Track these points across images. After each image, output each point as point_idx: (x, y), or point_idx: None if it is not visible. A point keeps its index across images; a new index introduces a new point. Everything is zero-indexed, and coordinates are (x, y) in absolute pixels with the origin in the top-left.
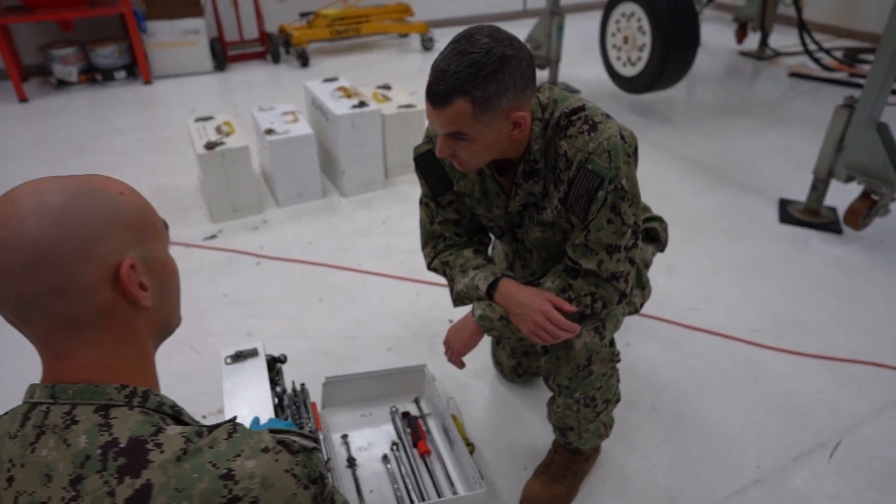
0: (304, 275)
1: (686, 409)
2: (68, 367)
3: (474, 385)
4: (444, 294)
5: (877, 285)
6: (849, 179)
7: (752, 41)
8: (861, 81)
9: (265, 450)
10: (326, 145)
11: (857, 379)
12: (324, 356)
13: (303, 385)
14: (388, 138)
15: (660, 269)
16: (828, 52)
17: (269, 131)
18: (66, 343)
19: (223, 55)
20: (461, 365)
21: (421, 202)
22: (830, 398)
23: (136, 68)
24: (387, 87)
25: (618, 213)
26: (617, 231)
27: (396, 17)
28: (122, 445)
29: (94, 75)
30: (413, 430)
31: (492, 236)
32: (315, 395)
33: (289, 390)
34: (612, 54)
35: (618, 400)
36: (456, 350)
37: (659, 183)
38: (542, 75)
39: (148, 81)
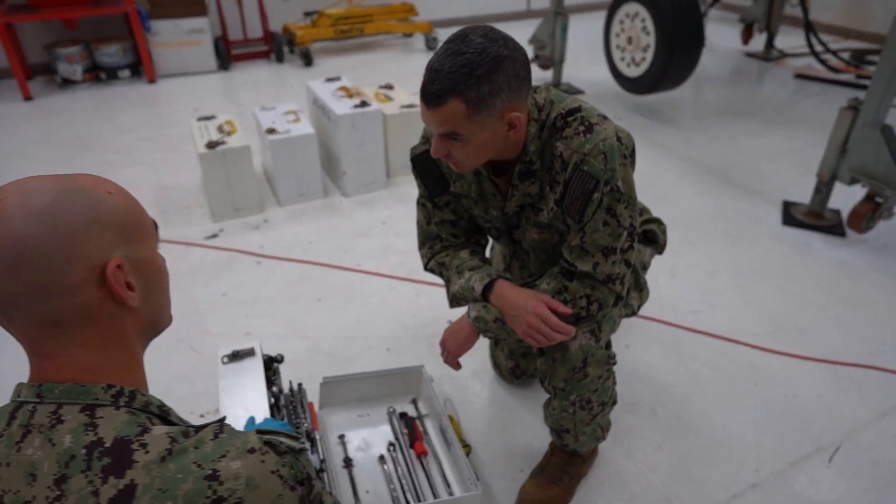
0: (303, 275)
1: (685, 412)
2: (55, 367)
3: (472, 386)
4: (444, 295)
5: (879, 289)
6: (852, 182)
7: (758, 42)
8: (868, 83)
9: (251, 450)
10: (328, 145)
11: (858, 383)
12: (322, 356)
13: (300, 385)
14: (389, 138)
15: (661, 271)
16: (834, 53)
17: (271, 131)
18: (51, 342)
19: (227, 54)
20: (457, 366)
21: (418, 203)
22: (831, 402)
23: (141, 67)
24: (389, 87)
25: (613, 214)
26: (613, 233)
27: (401, 16)
28: (106, 445)
29: (99, 74)
30: (410, 431)
31: (490, 237)
32: (313, 395)
33: (286, 390)
34: (617, 55)
35: (614, 402)
36: (451, 351)
37: (662, 184)
38: (546, 75)
39: (152, 80)
